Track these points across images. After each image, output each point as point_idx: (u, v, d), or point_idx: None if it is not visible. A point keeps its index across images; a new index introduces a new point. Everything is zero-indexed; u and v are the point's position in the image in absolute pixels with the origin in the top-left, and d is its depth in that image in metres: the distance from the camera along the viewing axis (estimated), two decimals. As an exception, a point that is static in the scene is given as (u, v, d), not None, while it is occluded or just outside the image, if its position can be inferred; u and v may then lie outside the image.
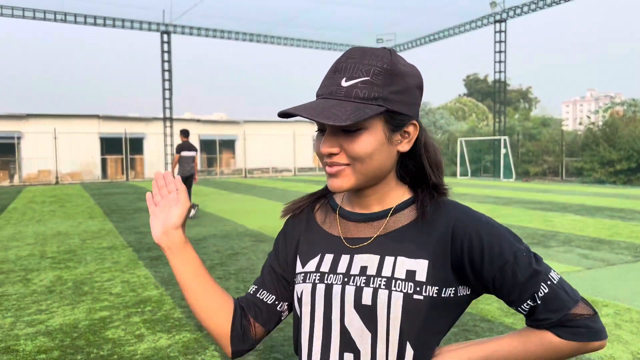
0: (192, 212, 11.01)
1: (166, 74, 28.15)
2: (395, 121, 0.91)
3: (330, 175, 0.92)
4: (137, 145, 32.58)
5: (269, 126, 36.97)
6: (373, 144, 0.89)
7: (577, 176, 23.70)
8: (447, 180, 1.05)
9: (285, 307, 1.06)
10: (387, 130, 0.91)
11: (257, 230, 9.23)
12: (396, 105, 0.89)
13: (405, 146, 0.94)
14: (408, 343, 0.90)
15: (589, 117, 27.39)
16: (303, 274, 1.00)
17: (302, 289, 0.98)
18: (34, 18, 24.89)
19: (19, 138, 29.24)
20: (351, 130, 0.88)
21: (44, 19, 25.05)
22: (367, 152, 0.89)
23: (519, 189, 18.53)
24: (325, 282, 0.95)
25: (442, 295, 0.91)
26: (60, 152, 28.75)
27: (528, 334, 0.92)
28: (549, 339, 0.90)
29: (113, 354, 3.68)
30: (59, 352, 3.73)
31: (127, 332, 4.14)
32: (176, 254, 1.01)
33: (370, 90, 0.87)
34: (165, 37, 27.93)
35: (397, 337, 0.89)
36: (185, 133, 11.14)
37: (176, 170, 11.15)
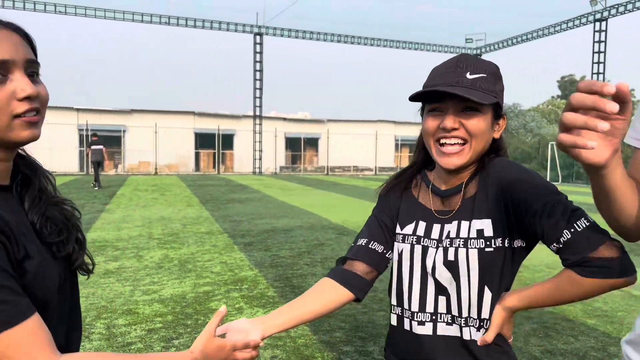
0: (97, 187, 17.38)
1: (257, 74, 29.44)
2: (497, 113, 1.22)
3: (448, 155, 1.17)
4: (228, 140, 34.37)
5: (352, 125, 37.42)
6: (485, 125, 1.18)
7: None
8: None
9: (391, 255, 1.32)
10: (492, 118, 1.21)
11: (339, 224, 9.64)
12: (500, 100, 1.21)
13: (497, 134, 1.25)
14: (486, 287, 1.16)
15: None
16: (402, 236, 1.29)
17: (402, 247, 1.27)
18: (142, 21, 27.12)
19: (124, 131, 31.96)
20: (471, 111, 1.16)
21: (150, 22, 27.21)
22: (482, 130, 1.17)
23: (615, 198, 17.45)
24: (422, 244, 1.24)
25: (506, 244, 1.16)
26: (159, 145, 31.03)
27: (561, 274, 1.11)
28: (574, 278, 1.07)
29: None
30: (172, 317, 4.33)
31: (228, 305, 4.68)
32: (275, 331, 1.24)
33: (488, 84, 1.17)
34: (257, 38, 29.22)
35: (477, 284, 1.16)
36: (95, 134, 18.09)
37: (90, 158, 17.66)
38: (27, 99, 0.91)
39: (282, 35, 29.99)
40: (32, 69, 0.95)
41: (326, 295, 1.28)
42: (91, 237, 7.98)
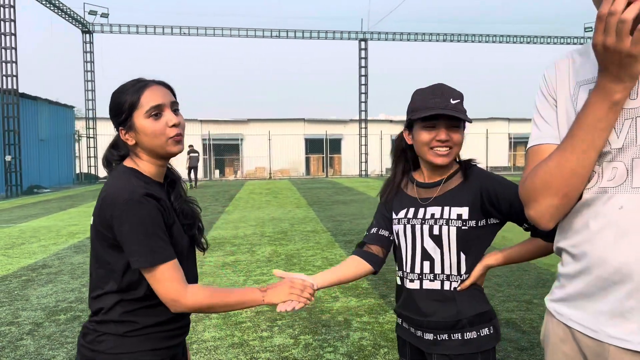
0: (194, 186, 21.37)
1: (363, 78, 30.05)
2: (464, 125, 1.68)
3: (442, 155, 1.64)
4: (336, 145, 35.42)
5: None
6: (462, 136, 1.67)
7: None
8: None
9: (392, 236, 1.81)
10: (463, 131, 1.68)
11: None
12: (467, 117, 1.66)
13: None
14: (461, 252, 1.63)
15: None
16: (397, 219, 1.75)
17: (398, 228, 1.74)
18: (254, 36, 29.08)
19: (241, 140, 34.38)
20: (455, 128, 1.64)
21: (262, 36, 29.07)
22: (461, 141, 1.67)
23: None
24: (411, 223, 1.70)
25: (479, 224, 1.65)
26: (273, 152, 32.95)
27: (529, 241, 1.62)
28: (540, 242, 1.58)
29: (315, 308, 4.78)
30: (277, 302, 4.98)
31: (326, 293, 5.23)
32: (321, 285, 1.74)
33: (462, 106, 1.65)
34: (362, 44, 29.85)
35: (455, 250, 1.63)
36: (191, 145, 22.37)
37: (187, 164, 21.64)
38: (174, 125, 1.48)
39: (386, 39, 30.30)
40: (174, 107, 1.52)
41: (355, 266, 1.80)
42: (212, 235, 9.04)
